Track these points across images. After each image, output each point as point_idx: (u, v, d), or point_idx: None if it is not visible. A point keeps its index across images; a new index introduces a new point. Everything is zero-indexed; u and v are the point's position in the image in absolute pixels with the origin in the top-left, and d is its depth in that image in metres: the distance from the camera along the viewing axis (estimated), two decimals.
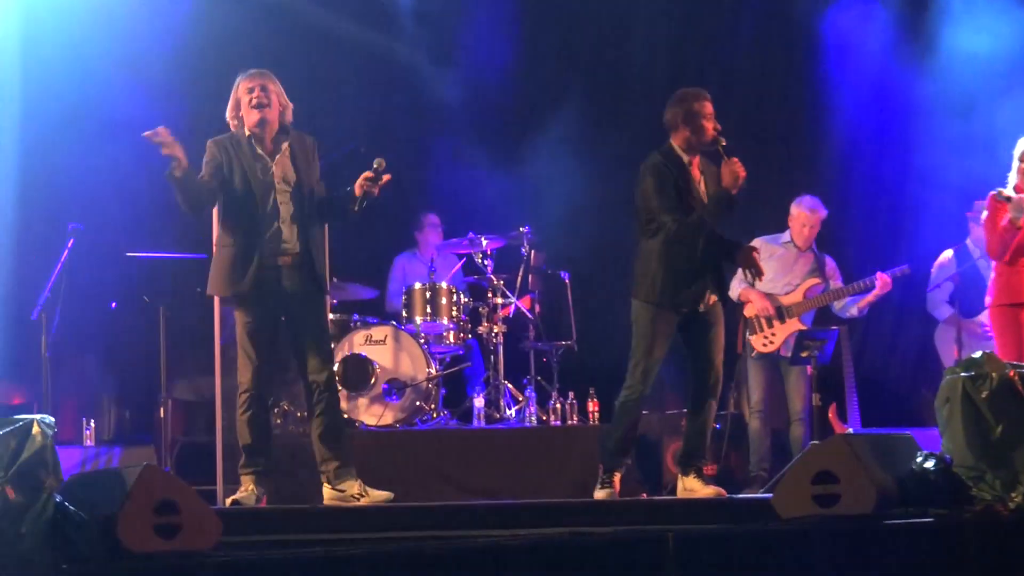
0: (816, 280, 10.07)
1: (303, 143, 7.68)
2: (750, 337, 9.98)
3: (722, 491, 7.94)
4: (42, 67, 11.09)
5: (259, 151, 7.55)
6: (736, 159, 7.69)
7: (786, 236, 10.18)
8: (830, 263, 10.24)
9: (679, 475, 7.99)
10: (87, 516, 5.51)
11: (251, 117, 7.53)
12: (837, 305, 10.11)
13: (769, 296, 9.99)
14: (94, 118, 11.23)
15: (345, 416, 9.62)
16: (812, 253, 10.19)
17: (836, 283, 10.14)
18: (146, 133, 7.19)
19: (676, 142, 7.91)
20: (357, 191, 7.54)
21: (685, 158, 7.88)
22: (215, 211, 7.92)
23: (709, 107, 7.88)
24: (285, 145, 7.61)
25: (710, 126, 7.83)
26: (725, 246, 7.87)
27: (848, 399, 10.05)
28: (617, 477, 7.95)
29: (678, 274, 7.76)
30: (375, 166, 7.53)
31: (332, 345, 8.40)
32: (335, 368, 9.38)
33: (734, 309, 10.27)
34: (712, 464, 9.86)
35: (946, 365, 9.66)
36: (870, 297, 9.99)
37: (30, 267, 10.68)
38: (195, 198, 7.45)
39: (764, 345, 9.93)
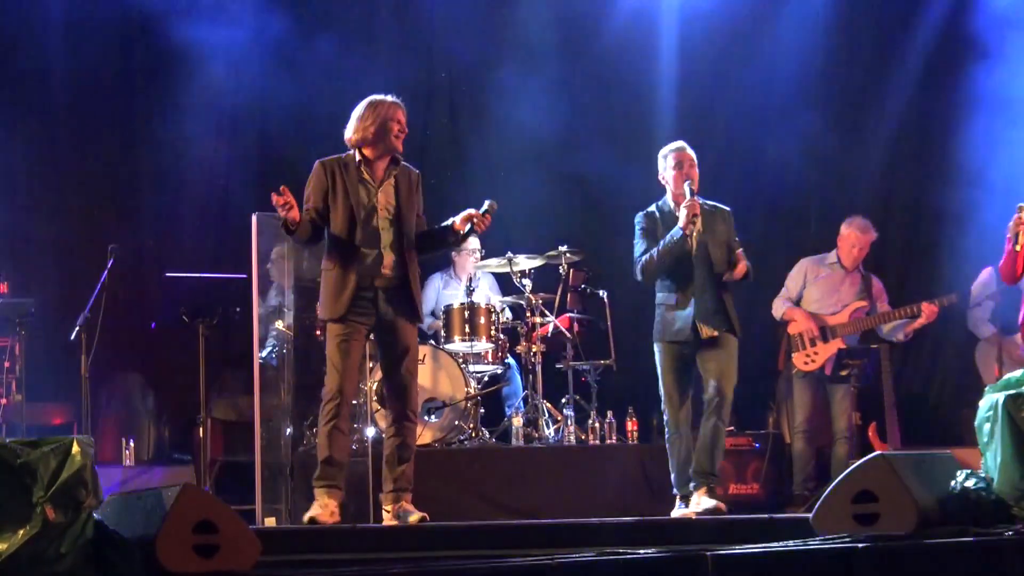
0: (863, 303, 10.04)
1: (408, 176, 7.85)
2: (793, 355, 9.99)
3: (722, 506, 8.17)
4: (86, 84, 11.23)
5: (366, 176, 7.71)
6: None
7: (832, 256, 10.17)
8: (877, 284, 10.22)
9: (692, 489, 8.34)
10: (126, 536, 5.52)
11: (395, 145, 7.71)
12: (885, 328, 10.08)
13: (814, 316, 9.97)
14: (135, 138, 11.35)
15: (384, 436, 9.65)
16: (859, 274, 10.18)
17: (883, 305, 10.12)
18: (274, 195, 7.34)
19: None
20: (459, 226, 7.76)
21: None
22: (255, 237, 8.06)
23: (685, 156, 8.47)
24: (393, 174, 7.76)
25: (684, 175, 8.40)
26: None
27: (889, 418, 10.00)
28: (683, 509, 8.30)
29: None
30: (487, 207, 7.78)
31: (366, 367, 8.49)
32: (374, 387, 9.44)
33: (775, 327, 10.25)
34: (754, 483, 9.85)
35: (987, 383, 9.57)
36: (916, 324, 9.96)
37: (70, 287, 10.76)
38: (309, 239, 7.71)
39: (806, 364, 9.92)
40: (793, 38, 12.01)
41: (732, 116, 12.18)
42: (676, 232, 8.25)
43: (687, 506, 8.28)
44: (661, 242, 8.34)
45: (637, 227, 8.51)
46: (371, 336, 7.83)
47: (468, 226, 7.75)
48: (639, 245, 8.47)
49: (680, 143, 8.51)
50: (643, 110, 12.00)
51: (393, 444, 7.73)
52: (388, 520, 7.67)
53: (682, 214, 8.21)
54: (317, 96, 11.24)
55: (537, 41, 12.11)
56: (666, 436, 8.45)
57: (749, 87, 12.18)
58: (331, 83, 11.50)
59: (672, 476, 8.44)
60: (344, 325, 7.62)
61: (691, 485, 8.31)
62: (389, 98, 7.76)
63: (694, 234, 8.28)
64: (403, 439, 7.73)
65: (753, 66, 12.15)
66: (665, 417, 8.44)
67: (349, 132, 7.75)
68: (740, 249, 8.37)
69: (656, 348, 8.49)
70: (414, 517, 7.62)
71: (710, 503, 8.16)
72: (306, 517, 7.58)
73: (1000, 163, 10.95)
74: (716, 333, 8.31)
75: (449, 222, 7.81)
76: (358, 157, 7.71)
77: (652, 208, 8.53)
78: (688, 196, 8.25)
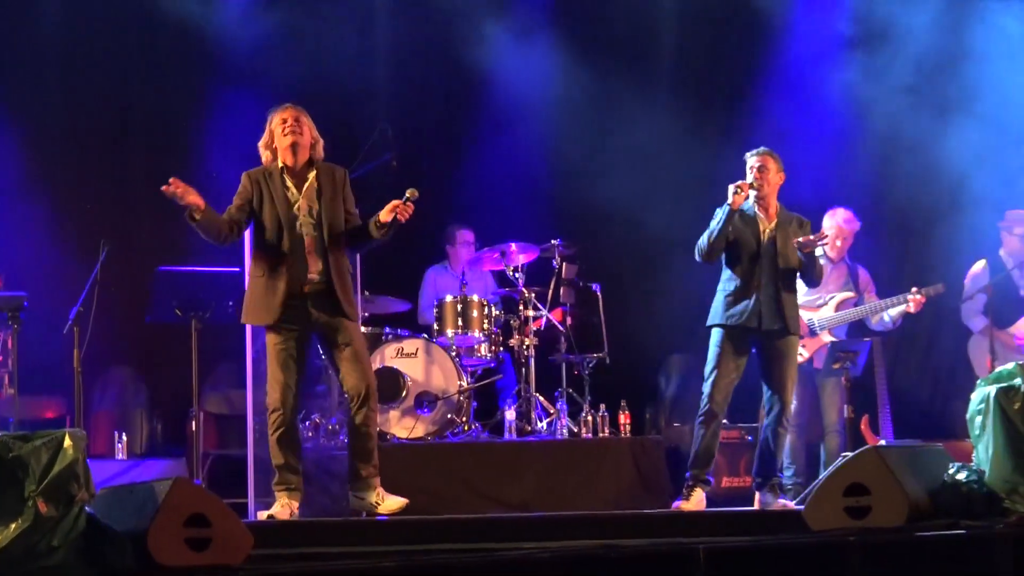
0: (850, 294, 10.04)
1: (332, 175, 7.92)
2: None
3: (789, 504, 8.49)
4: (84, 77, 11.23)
5: (288, 182, 7.81)
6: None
7: (818, 250, 10.14)
8: (864, 274, 10.21)
9: (754, 490, 8.82)
10: (119, 529, 5.53)
11: (284, 143, 7.80)
12: (873, 319, 10.07)
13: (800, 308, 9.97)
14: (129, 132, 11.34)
15: (377, 429, 9.65)
16: (845, 265, 10.17)
17: (870, 295, 10.11)
18: (163, 188, 7.51)
19: None
20: (385, 217, 7.75)
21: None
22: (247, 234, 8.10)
23: (750, 160, 8.80)
24: (312, 176, 7.85)
25: (749, 176, 8.73)
26: None
27: (881, 411, 10.00)
28: (697, 491, 8.56)
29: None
30: (408, 196, 7.74)
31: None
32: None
33: None
34: (746, 476, 9.87)
35: (979, 376, 9.59)
36: (903, 310, 9.96)
37: (63, 281, 10.73)
38: (216, 235, 7.77)
39: None
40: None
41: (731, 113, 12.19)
42: (723, 208, 8.55)
43: (698, 489, 8.54)
44: (713, 221, 8.64)
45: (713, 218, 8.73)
46: (307, 340, 7.89)
47: (392, 216, 7.74)
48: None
49: (758, 149, 8.81)
50: (642, 100, 11.98)
51: (358, 433, 7.85)
52: (359, 507, 7.82)
53: (729, 191, 8.52)
54: (312, 83, 11.23)
55: (535, 31, 12.09)
56: (699, 412, 8.65)
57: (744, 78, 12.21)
58: (327, 69, 11.51)
59: (692, 454, 8.65)
60: (278, 334, 7.76)
61: (755, 484, 8.79)
62: (273, 110, 7.92)
63: (765, 232, 8.67)
64: (367, 428, 7.85)
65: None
66: (704, 393, 8.64)
67: (260, 153, 7.94)
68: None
69: (714, 331, 8.69)
70: (398, 503, 7.79)
71: (776, 500, 8.63)
72: (266, 514, 7.77)
73: (992, 155, 10.97)
74: (776, 327, 8.58)
75: (375, 215, 7.82)
76: (280, 164, 7.84)
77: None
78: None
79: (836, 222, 10.12)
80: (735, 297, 8.63)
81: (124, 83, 11.53)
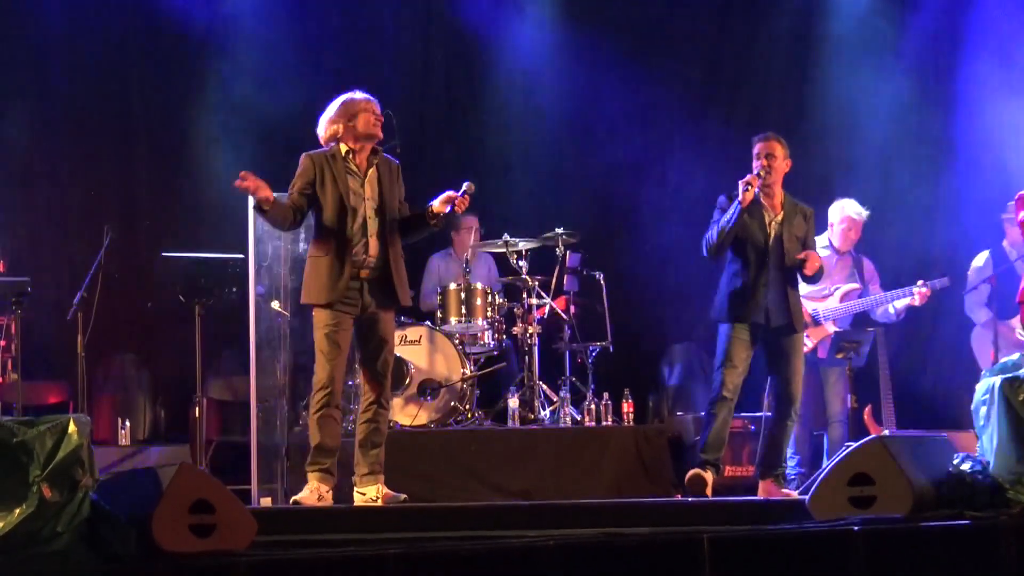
0: (855, 286, 10.03)
1: (389, 166, 8.04)
2: None
3: (792, 494, 8.48)
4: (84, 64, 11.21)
5: (353, 167, 7.89)
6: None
7: (823, 239, 10.14)
8: (869, 266, 10.20)
9: (758, 479, 8.82)
10: (122, 515, 5.52)
11: (373, 133, 7.90)
12: (878, 311, 10.06)
13: (806, 299, 9.96)
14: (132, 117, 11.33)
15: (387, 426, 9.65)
16: (851, 256, 10.16)
17: (875, 288, 10.10)
18: (235, 183, 7.55)
19: None
20: (440, 208, 7.90)
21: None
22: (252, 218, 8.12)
23: (758, 146, 8.73)
24: (375, 165, 7.93)
25: (756, 165, 8.69)
26: None
27: (884, 401, 9.99)
28: (708, 473, 8.51)
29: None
30: (465, 188, 7.90)
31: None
32: None
33: None
34: (749, 466, 9.87)
35: (983, 367, 9.60)
36: (907, 303, 9.96)
37: (67, 266, 10.74)
38: (282, 222, 7.90)
39: None
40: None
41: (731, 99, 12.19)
42: (734, 205, 8.52)
43: (709, 475, 8.49)
44: (722, 216, 8.60)
45: (716, 208, 8.68)
46: (356, 325, 7.92)
47: (448, 207, 7.88)
48: (712, 224, 8.64)
49: (765, 134, 8.76)
50: (643, 90, 11.98)
51: (367, 429, 7.91)
52: (362, 503, 7.82)
53: (739, 187, 8.50)
54: (314, 70, 11.24)
55: (538, 16, 12.09)
56: (711, 399, 8.65)
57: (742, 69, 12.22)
58: (330, 58, 11.52)
59: (703, 439, 8.63)
60: (332, 314, 7.78)
61: (758, 473, 8.84)
62: (360, 93, 7.98)
63: (772, 224, 8.63)
64: (377, 425, 7.91)
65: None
66: (716, 381, 8.63)
67: (322, 130, 7.97)
68: (814, 250, 8.75)
69: (721, 327, 8.66)
70: (397, 500, 7.82)
71: (780, 491, 8.61)
72: (292, 499, 7.78)
73: (997, 146, 10.97)
74: (783, 323, 8.59)
75: (429, 205, 7.95)
76: (344, 149, 7.89)
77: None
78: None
79: (843, 212, 10.10)
80: (743, 293, 8.59)
81: (127, 69, 11.51)
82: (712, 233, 8.58)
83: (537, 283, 10.32)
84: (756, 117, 11.89)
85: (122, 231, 9.44)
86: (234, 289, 9.27)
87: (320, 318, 7.81)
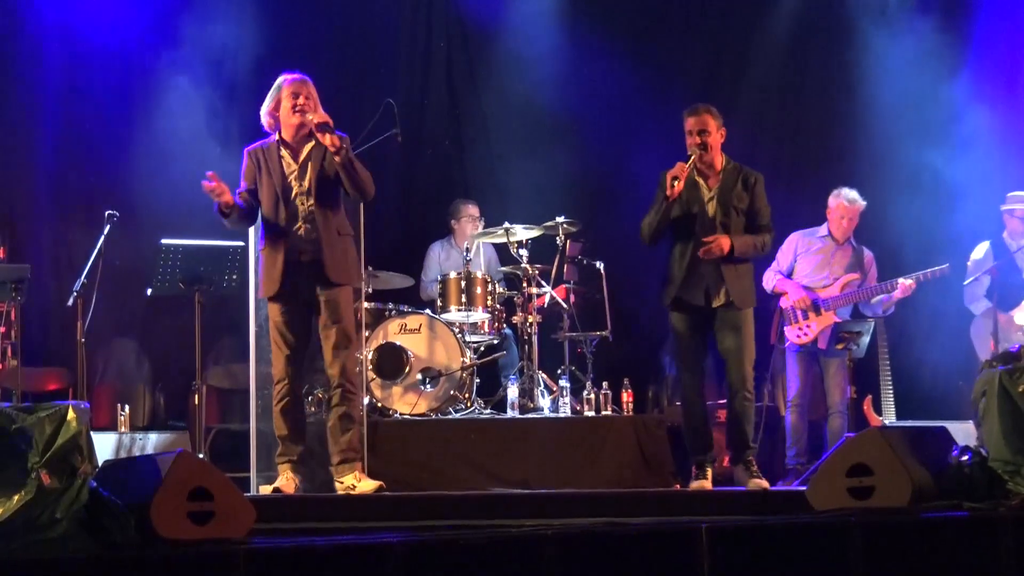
0: (855, 275, 10.04)
1: (324, 151, 7.86)
2: (786, 328, 9.99)
3: (764, 483, 8.21)
4: (79, 52, 11.18)
5: (286, 155, 7.88)
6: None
7: (823, 230, 10.15)
8: (868, 256, 10.21)
9: (732, 465, 8.69)
10: (121, 502, 5.52)
11: (291, 121, 7.84)
12: (872, 300, 10.07)
13: (807, 288, 9.97)
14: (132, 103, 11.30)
15: (379, 405, 9.65)
16: (851, 246, 10.17)
17: (873, 279, 10.11)
18: (203, 183, 7.69)
19: None
20: (323, 139, 7.71)
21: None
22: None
23: (689, 122, 8.46)
24: (311, 147, 7.88)
25: (689, 142, 8.41)
26: None
27: (884, 392, 10.01)
28: (706, 483, 8.38)
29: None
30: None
31: (361, 336, 8.63)
32: (370, 356, 9.47)
33: (768, 300, 10.23)
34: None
35: (982, 358, 9.59)
36: (894, 298, 9.98)
37: (67, 253, 10.73)
38: (241, 224, 8.06)
39: (799, 337, 9.92)
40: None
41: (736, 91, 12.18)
42: (663, 199, 8.33)
43: (703, 475, 8.38)
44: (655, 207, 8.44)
45: (658, 186, 8.47)
46: (307, 312, 7.96)
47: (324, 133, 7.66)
48: (652, 208, 8.50)
49: (694, 107, 8.52)
50: (645, 79, 11.97)
51: (334, 415, 7.91)
52: (342, 491, 7.82)
53: (667, 181, 8.28)
54: (311, 58, 11.21)
55: (540, 5, 12.08)
56: (680, 396, 8.67)
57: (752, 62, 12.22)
58: (331, 49, 11.51)
59: (688, 443, 8.57)
60: (281, 305, 7.87)
61: (730, 461, 8.69)
62: (285, 76, 7.92)
63: (711, 203, 8.39)
64: (344, 409, 7.90)
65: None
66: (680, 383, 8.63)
67: (262, 120, 7.98)
68: (765, 214, 8.46)
69: (669, 314, 8.53)
70: (371, 485, 7.77)
71: (748, 480, 8.33)
72: (270, 488, 7.86)
73: (997, 135, 10.98)
74: (724, 302, 8.36)
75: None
76: (276, 138, 7.91)
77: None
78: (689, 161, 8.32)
79: (840, 201, 10.10)
80: (679, 275, 8.40)
81: (128, 53, 11.48)
82: (644, 225, 8.48)
83: (537, 272, 10.31)
84: (759, 105, 11.90)
85: (122, 218, 9.39)
86: (234, 276, 9.26)
87: (270, 311, 7.94)
